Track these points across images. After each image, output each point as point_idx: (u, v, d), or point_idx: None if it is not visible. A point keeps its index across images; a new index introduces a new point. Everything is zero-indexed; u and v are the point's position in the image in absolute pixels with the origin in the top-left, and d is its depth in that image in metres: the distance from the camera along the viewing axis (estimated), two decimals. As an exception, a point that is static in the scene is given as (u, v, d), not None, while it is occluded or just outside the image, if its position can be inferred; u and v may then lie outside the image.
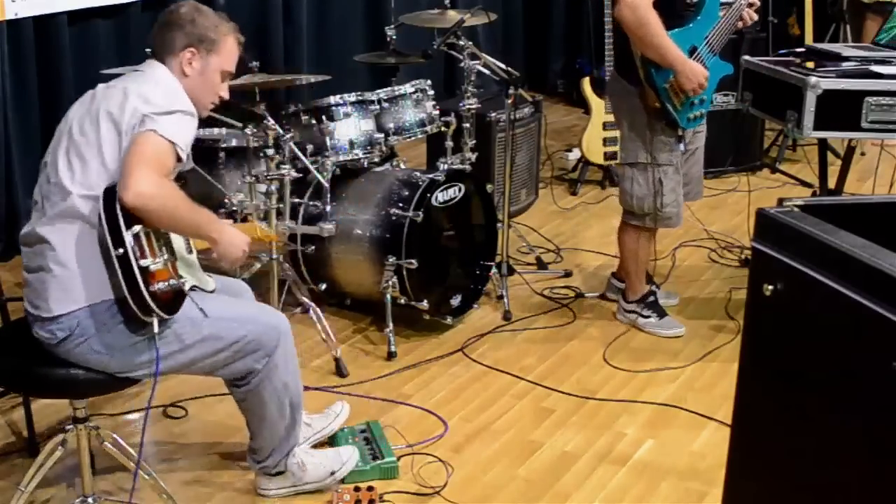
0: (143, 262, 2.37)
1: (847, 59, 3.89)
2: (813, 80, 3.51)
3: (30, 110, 4.61)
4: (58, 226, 2.45)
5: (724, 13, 3.62)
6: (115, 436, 2.67)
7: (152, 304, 2.38)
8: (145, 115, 2.43)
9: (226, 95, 2.74)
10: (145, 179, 2.33)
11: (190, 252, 2.66)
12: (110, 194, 2.36)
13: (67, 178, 2.46)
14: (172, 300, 2.46)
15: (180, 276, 2.48)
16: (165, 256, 2.45)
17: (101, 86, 2.60)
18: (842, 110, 3.52)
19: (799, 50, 4.12)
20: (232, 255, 2.57)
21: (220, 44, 2.66)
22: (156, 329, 2.43)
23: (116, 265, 2.35)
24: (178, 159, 2.46)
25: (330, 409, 3.20)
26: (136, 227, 2.37)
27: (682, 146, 3.70)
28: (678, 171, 3.75)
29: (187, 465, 3.08)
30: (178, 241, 2.58)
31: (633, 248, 3.87)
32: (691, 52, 3.57)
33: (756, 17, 3.71)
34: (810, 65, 3.75)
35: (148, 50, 3.88)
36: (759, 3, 3.71)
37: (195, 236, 2.57)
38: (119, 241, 2.34)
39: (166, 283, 2.42)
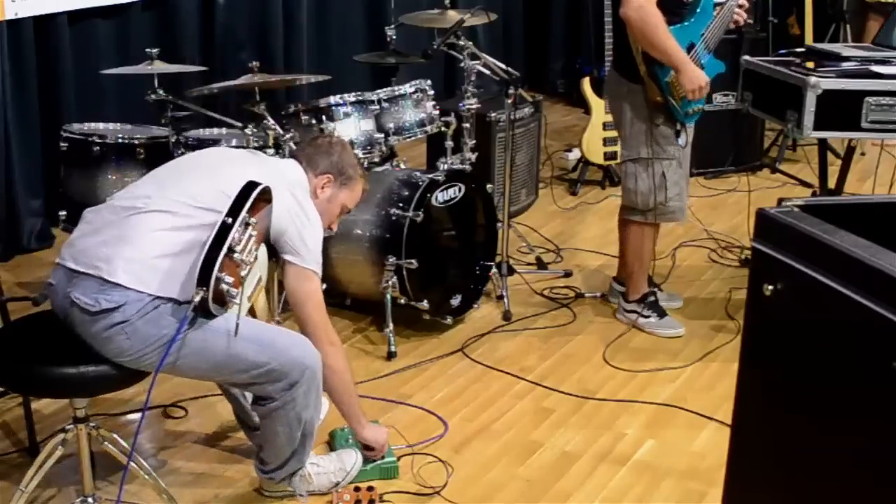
0: (236, 247, 2.41)
1: (847, 59, 3.89)
2: (813, 80, 3.51)
3: (30, 110, 4.61)
4: (158, 219, 2.51)
5: (717, 12, 3.67)
6: (115, 436, 2.67)
7: (213, 277, 2.36)
8: (307, 250, 2.72)
9: (335, 229, 3.05)
10: (324, 342, 2.76)
11: (250, 298, 2.67)
12: (253, 186, 2.50)
13: (186, 189, 2.57)
14: (218, 299, 2.43)
15: (236, 295, 2.47)
16: (245, 270, 2.49)
17: (246, 153, 2.97)
18: (842, 110, 3.53)
19: (799, 50, 4.13)
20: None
21: (354, 182, 2.98)
22: (196, 299, 2.38)
23: (216, 228, 2.40)
24: None
25: None
26: (254, 219, 2.46)
27: (682, 140, 3.71)
28: (681, 166, 3.77)
29: (187, 465, 3.08)
30: (251, 281, 2.61)
31: (637, 245, 3.87)
32: (689, 48, 3.59)
33: (745, 15, 3.76)
34: (810, 65, 3.75)
35: (148, 50, 3.92)
36: (748, 4, 3.76)
37: (347, 413, 2.93)
38: (235, 214, 2.42)
39: (229, 282, 2.41)
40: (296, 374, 2.64)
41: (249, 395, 2.82)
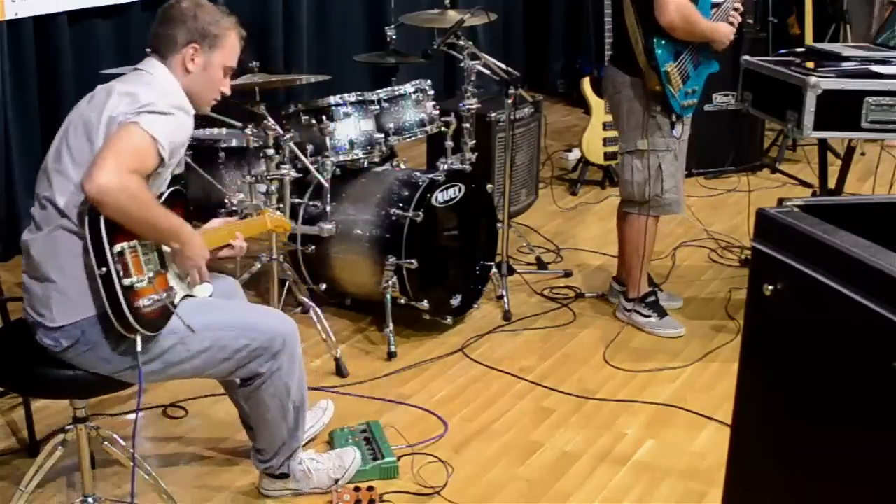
0: (126, 281, 2.33)
1: (847, 59, 3.89)
2: (813, 80, 3.52)
3: (30, 110, 4.61)
4: (55, 236, 2.42)
5: (715, 12, 3.72)
6: (115, 436, 2.67)
7: (134, 323, 2.34)
8: (128, 113, 2.37)
9: (227, 91, 2.70)
10: (111, 171, 2.25)
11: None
12: (95, 210, 2.31)
13: (58, 190, 2.42)
14: (159, 316, 2.43)
15: (170, 289, 2.45)
16: (152, 273, 2.40)
17: (98, 87, 2.55)
18: (842, 110, 3.53)
19: (799, 50, 4.13)
20: (187, 266, 2.50)
21: (223, 39, 2.62)
22: (139, 347, 2.39)
23: (100, 284, 2.31)
24: (161, 160, 2.38)
25: (317, 405, 3.22)
26: (121, 245, 2.33)
27: (677, 131, 3.74)
28: (677, 158, 3.80)
29: (187, 465, 3.08)
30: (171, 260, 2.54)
31: (636, 238, 3.88)
32: (686, 44, 3.65)
33: (740, 19, 3.81)
34: (810, 65, 3.75)
35: (148, 50, 3.92)
36: (742, 8, 3.81)
37: (156, 241, 2.44)
38: (102, 261, 2.30)
39: (151, 300, 2.38)
40: (276, 344, 2.66)
41: None
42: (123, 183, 2.27)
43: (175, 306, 2.48)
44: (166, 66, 2.57)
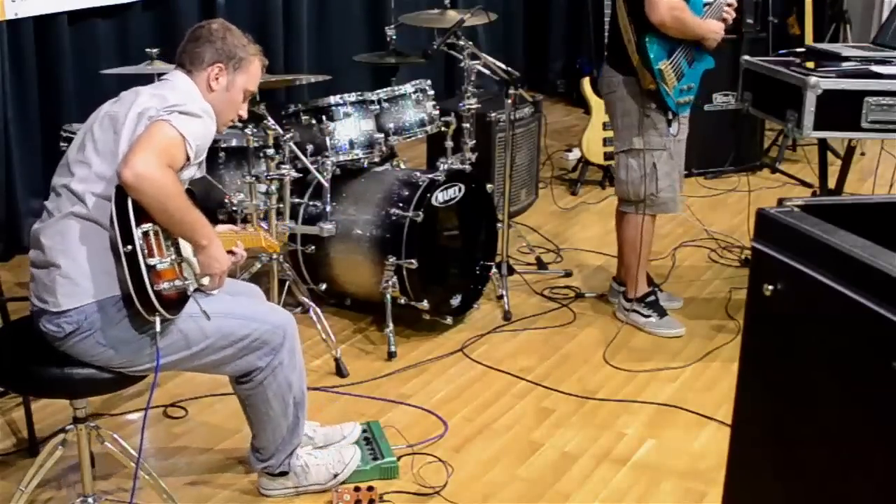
0: (150, 261, 2.38)
1: (847, 59, 3.90)
2: (813, 80, 3.52)
3: (30, 110, 4.61)
4: (65, 222, 2.47)
5: (707, 10, 3.73)
6: (115, 436, 2.67)
7: (156, 303, 2.39)
8: (159, 109, 2.47)
9: (244, 115, 2.81)
10: (149, 160, 2.35)
11: (196, 255, 2.65)
12: (122, 191, 2.38)
13: (77, 177, 2.49)
14: (177, 300, 2.47)
15: (185, 278, 2.49)
16: (172, 257, 2.46)
17: (123, 92, 2.63)
18: (842, 110, 3.53)
19: (799, 50, 4.13)
20: (213, 268, 2.55)
21: (247, 63, 2.74)
22: (157, 328, 2.43)
23: (124, 262, 2.36)
24: (188, 158, 2.46)
25: (342, 426, 3.13)
26: (146, 226, 2.39)
27: (673, 129, 3.75)
28: (672, 157, 3.80)
29: (187, 465, 3.08)
30: (186, 243, 2.57)
31: (632, 237, 3.87)
32: (679, 41, 3.67)
33: (734, 14, 3.81)
34: (810, 65, 3.76)
35: (148, 50, 3.93)
36: (735, 4, 3.81)
37: (183, 235, 2.50)
38: (128, 238, 2.36)
39: (171, 284, 2.43)
40: (277, 338, 2.70)
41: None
42: (161, 172, 2.37)
43: (191, 293, 2.52)
44: (189, 79, 2.68)
